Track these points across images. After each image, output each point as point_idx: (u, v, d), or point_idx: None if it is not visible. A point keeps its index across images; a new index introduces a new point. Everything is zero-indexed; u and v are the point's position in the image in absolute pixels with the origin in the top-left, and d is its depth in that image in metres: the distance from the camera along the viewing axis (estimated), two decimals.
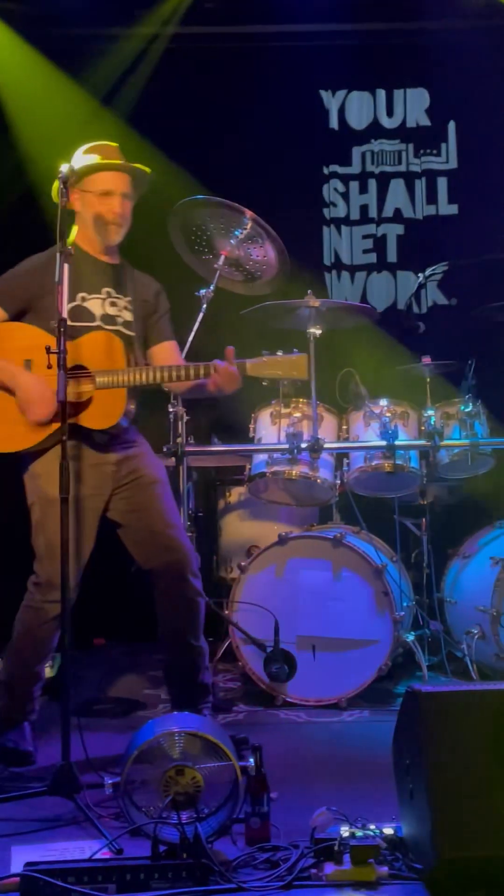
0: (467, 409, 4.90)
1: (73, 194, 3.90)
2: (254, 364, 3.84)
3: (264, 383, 3.84)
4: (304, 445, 4.78)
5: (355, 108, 6.67)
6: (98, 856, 2.80)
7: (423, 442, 4.91)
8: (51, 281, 3.72)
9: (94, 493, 3.86)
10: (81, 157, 3.95)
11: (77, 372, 3.75)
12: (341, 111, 6.67)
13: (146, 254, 5.67)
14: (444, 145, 6.61)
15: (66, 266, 3.40)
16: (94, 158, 3.91)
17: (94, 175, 3.90)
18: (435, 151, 6.61)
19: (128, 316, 3.97)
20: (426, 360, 5.15)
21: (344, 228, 6.67)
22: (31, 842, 2.98)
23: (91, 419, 3.76)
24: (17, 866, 2.72)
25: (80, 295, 3.88)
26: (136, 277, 4.10)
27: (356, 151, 6.67)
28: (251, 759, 2.93)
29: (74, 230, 3.97)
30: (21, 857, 2.78)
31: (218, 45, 6.51)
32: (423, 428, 4.95)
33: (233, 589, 4.77)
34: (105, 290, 3.96)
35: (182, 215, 4.75)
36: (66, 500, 3.33)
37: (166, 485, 4.04)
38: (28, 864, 2.66)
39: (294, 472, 4.85)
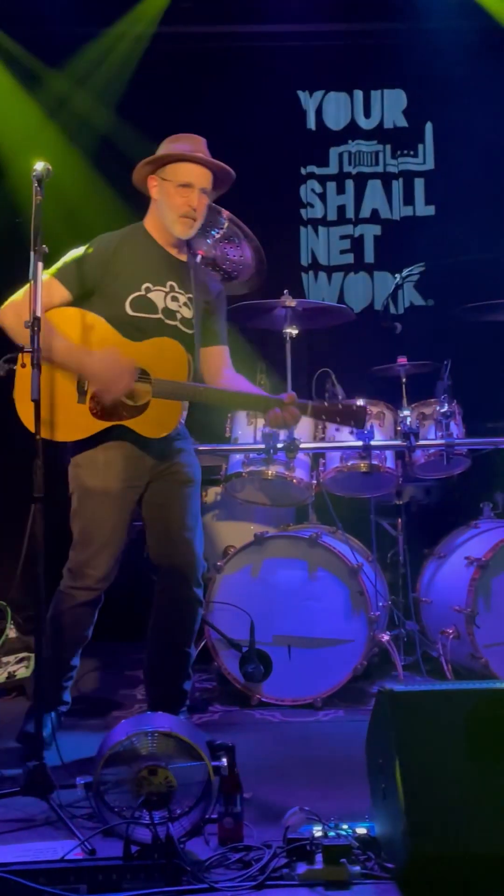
0: (443, 410, 4.91)
1: (152, 181, 3.88)
2: (315, 408, 3.77)
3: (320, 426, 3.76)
4: (280, 445, 4.77)
5: (333, 108, 6.69)
6: (70, 856, 2.78)
7: (398, 442, 4.91)
8: (118, 267, 3.77)
9: (129, 486, 3.83)
10: (167, 145, 3.91)
11: (138, 376, 3.70)
12: (318, 112, 6.69)
13: None
14: (421, 146, 6.64)
15: (39, 265, 3.36)
16: (180, 148, 3.87)
17: (177, 165, 3.84)
18: (412, 152, 6.64)
19: (187, 313, 3.90)
20: (402, 360, 5.16)
21: (321, 229, 6.69)
22: (4, 842, 2.96)
23: (144, 426, 3.71)
24: None
25: (145, 285, 3.82)
26: (200, 275, 4.05)
27: (333, 152, 6.69)
28: (224, 759, 2.92)
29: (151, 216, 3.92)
30: None
31: (195, 46, 6.53)
32: (398, 428, 4.96)
33: (208, 589, 4.74)
34: (169, 283, 3.89)
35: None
36: (40, 499, 3.31)
37: (197, 487, 4.01)
38: None
39: (270, 472, 4.85)
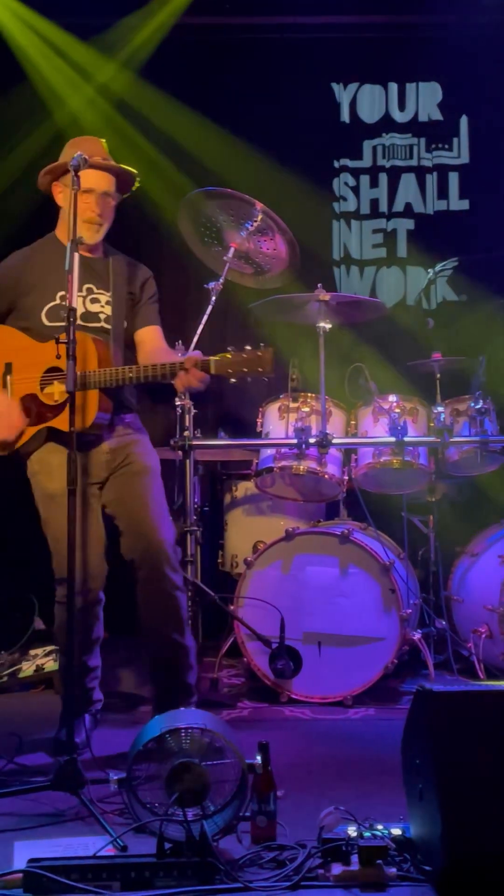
0: (477, 406, 4.86)
1: (56, 188, 3.93)
2: (218, 363, 3.67)
3: (232, 381, 3.72)
4: (312, 440, 4.74)
5: (367, 101, 6.62)
6: (102, 852, 2.76)
7: (432, 438, 4.88)
8: (30, 278, 3.86)
9: (90, 482, 3.86)
10: (67, 151, 3.92)
11: (51, 376, 3.76)
12: (353, 104, 6.62)
13: (155, 244, 5.67)
14: (455, 140, 6.56)
15: (76, 255, 3.36)
16: (78, 153, 3.80)
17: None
18: (447, 146, 6.56)
19: (108, 311, 3.94)
20: (436, 355, 5.12)
21: (354, 223, 6.63)
22: (35, 837, 2.95)
23: (64, 421, 3.64)
24: (20, 862, 2.69)
25: (60, 293, 3.84)
26: (120, 269, 4.03)
27: (367, 145, 6.62)
28: (258, 757, 2.89)
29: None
30: (24, 853, 2.75)
31: (229, 37, 6.49)
32: (432, 424, 4.92)
33: (238, 584, 4.74)
34: (86, 286, 3.92)
35: (192, 207, 4.72)
36: (73, 492, 3.29)
37: (156, 475, 3.99)
38: (31, 860, 2.63)
39: (301, 467, 4.81)
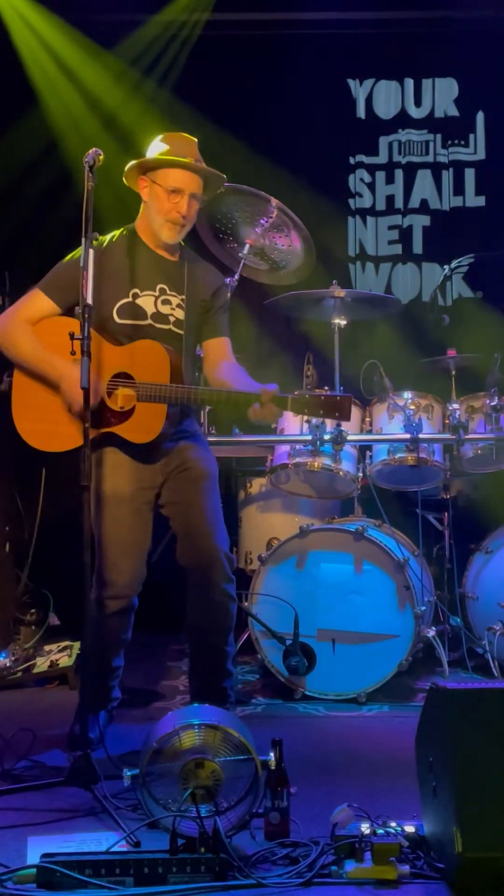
0: (493, 403, 4.84)
1: (142, 182, 3.84)
2: (295, 402, 3.65)
3: (305, 420, 3.71)
4: (326, 437, 4.73)
5: (383, 97, 6.62)
6: (116, 848, 2.77)
7: (447, 435, 4.86)
8: (101, 277, 3.67)
9: (140, 487, 3.79)
10: (157, 145, 3.86)
11: (120, 381, 3.69)
12: (369, 100, 6.62)
13: None
14: (472, 136, 6.55)
15: (91, 252, 3.36)
16: (167, 150, 3.82)
17: (167, 169, 3.80)
18: (463, 142, 6.55)
19: (179, 314, 3.86)
20: (452, 352, 5.10)
21: (369, 219, 6.62)
22: (48, 832, 2.95)
23: (130, 431, 3.68)
24: (33, 857, 2.69)
25: (133, 291, 3.80)
26: (195, 274, 3.95)
27: (383, 141, 6.62)
28: (271, 754, 2.88)
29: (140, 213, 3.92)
30: (38, 848, 2.75)
31: (245, 33, 6.48)
32: (447, 421, 4.90)
33: (252, 580, 4.73)
34: (159, 286, 3.85)
35: (207, 203, 4.70)
36: (87, 488, 3.30)
37: (215, 480, 3.95)
38: (45, 855, 2.63)
39: (316, 463, 4.81)
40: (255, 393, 3.65)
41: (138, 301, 3.81)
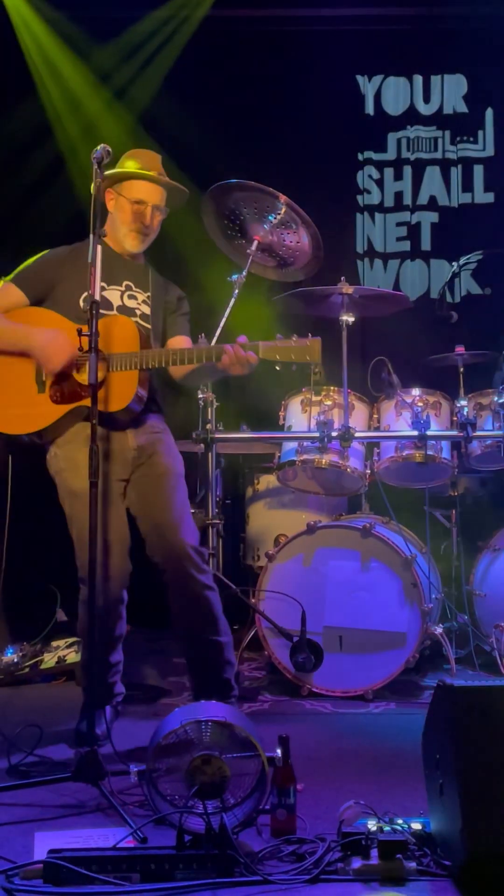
0: (501, 400, 4.83)
1: (108, 194, 3.99)
2: (266, 347, 3.75)
3: (277, 367, 3.76)
4: (334, 434, 4.73)
5: (391, 93, 6.61)
6: (122, 844, 2.77)
7: (455, 432, 4.85)
8: (68, 270, 3.90)
9: (116, 479, 3.86)
10: (124, 161, 4.02)
11: (86, 355, 3.69)
12: (377, 96, 6.61)
13: (179, 239, 5.67)
14: (481, 132, 6.54)
15: (98, 247, 3.36)
16: (133, 164, 3.99)
17: (131, 182, 3.98)
18: (472, 138, 6.53)
19: (145, 309, 4.00)
20: (459, 349, 5.09)
21: (378, 215, 6.61)
22: (55, 828, 2.96)
23: (102, 401, 3.72)
24: (40, 853, 2.70)
25: (100, 284, 3.79)
26: (158, 280, 4.13)
27: (391, 138, 6.61)
28: (278, 750, 2.88)
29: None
30: (44, 844, 2.76)
31: (253, 28, 6.46)
32: (455, 418, 4.89)
33: (260, 577, 4.73)
34: (125, 282, 4.00)
35: (215, 199, 4.70)
36: (95, 484, 3.30)
37: (180, 477, 4.00)
38: (51, 851, 2.64)
39: (324, 460, 4.80)
40: (223, 346, 3.76)
41: (104, 293, 3.92)
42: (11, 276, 3.97)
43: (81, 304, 3.84)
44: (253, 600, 4.67)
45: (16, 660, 4.90)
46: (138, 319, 3.95)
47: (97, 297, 3.35)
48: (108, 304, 3.92)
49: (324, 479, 5.07)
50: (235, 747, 2.82)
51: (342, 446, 4.77)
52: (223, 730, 2.83)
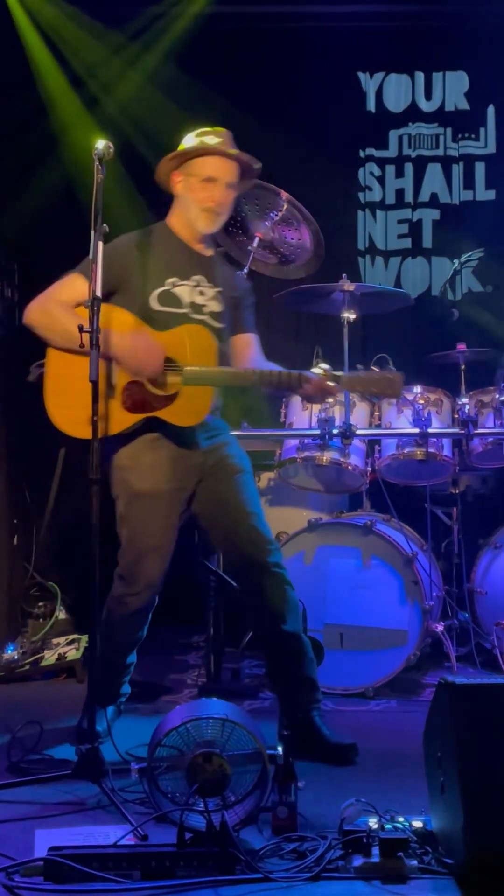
0: (502, 398, 4.83)
1: (176, 177, 3.79)
2: (350, 378, 3.67)
3: (353, 398, 3.70)
4: (335, 431, 4.73)
5: (393, 90, 6.59)
6: (123, 842, 2.76)
7: (456, 430, 4.85)
8: (139, 261, 3.71)
9: (177, 487, 3.73)
10: (189, 139, 3.82)
11: (166, 364, 3.61)
12: (379, 93, 6.59)
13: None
14: (482, 130, 6.52)
15: (100, 244, 3.35)
16: (200, 142, 3.77)
17: (201, 159, 3.75)
18: (473, 136, 6.52)
19: (215, 306, 3.81)
20: (461, 347, 5.09)
21: (379, 213, 6.60)
22: (55, 825, 2.95)
23: (176, 415, 3.61)
24: (40, 850, 2.69)
25: (171, 280, 3.74)
26: (227, 271, 3.96)
27: (393, 135, 6.59)
28: (279, 748, 2.88)
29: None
30: (45, 841, 2.75)
31: (255, 25, 6.44)
32: (456, 416, 4.89)
33: None
34: (195, 277, 3.80)
35: None
36: (96, 482, 3.28)
37: (250, 475, 3.89)
38: (52, 848, 2.63)
39: (325, 458, 4.80)
40: (306, 373, 3.64)
41: (175, 290, 3.75)
42: (79, 266, 3.73)
43: (153, 302, 3.72)
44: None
45: (16, 657, 4.90)
46: (207, 318, 3.77)
47: (98, 295, 3.31)
48: (178, 301, 3.74)
49: (325, 476, 5.07)
50: (236, 745, 2.81)
51: (343, 444, 4.77)
52: (224, 727, 2.82)
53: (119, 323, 3.63)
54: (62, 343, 3.62)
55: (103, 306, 3.52)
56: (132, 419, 3.63)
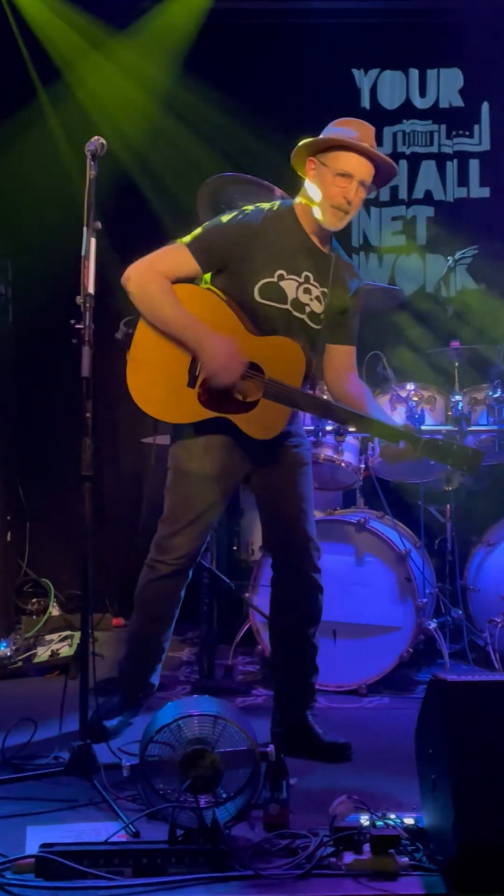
0: (496, 395, 4.84)
1: (310, 164, 3.61)
2: (427, 447, 3.54)
3: (431, 462, 3.65)
4: (329, 428, 4.72)
5: (387, 87, 6.57)
6: (114, 838, 2.77)
7: (449, 427, 4.85)
8: (255, 247, 3.55)
9: (228, 473, 3.67)
10: (332, 129, 3.65)
11: (251, 372, 3.50)
12: (373, 90, 6.57)
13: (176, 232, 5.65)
14: (476, 127, 6.51)
15: (92, 241, 3.33)
16: (344, 133, 3.59)
17: (340, 152, 3.54)
18: (467, 133, 6.51)
19: (317, 307, 3.64)
20: (454, 344, 5.09)
21: (373, 209, 6.59)
22: (47, 822, 2.95)
23: (249, 424, 3.51)
24: (32, 847, 2.70)
25: (279, 272, 3.59)
26: (341, 271, 3.73)
27: (387, 132, 6.57)
28: (271, 745, 2.88)
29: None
30: (36, 838, 2.76)
31: (249, 21, 6.42)
32: (450, 413, 4.90)
33: (254, 571, 4.73)
34: (305, 273, 3.62)
35: (210, 192, 4.68)
36: (88, 478, 3.28)
37: (309, 469, 3.81)
38: (44, 845, 2.63)
39: (319, 455, 4.80)
40: (400, 431, 3.58)
41: (282, 283, 3.59)
42: (189, 237, 3.57)
43: (256, 294, 3.55)
44: (247, 594, 4.67)
45: (9, 653, 4.90)
46: (306, 318, 3.63)
47: (90, 292, 3.30)
48: (282, 295, 3.57)
49: (318, 473, 5.04)
50: (228, 742, 2.82)
51: (337, 441, 4.77)
52: (216, 724, 2.83)
53: (217, 319, 3.51)
54: (155, 321, 3.51)
55: (209, 290, 3.52)
56: (203, 414, 3.52)
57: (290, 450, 3.71)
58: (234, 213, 3.62)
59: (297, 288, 3.60)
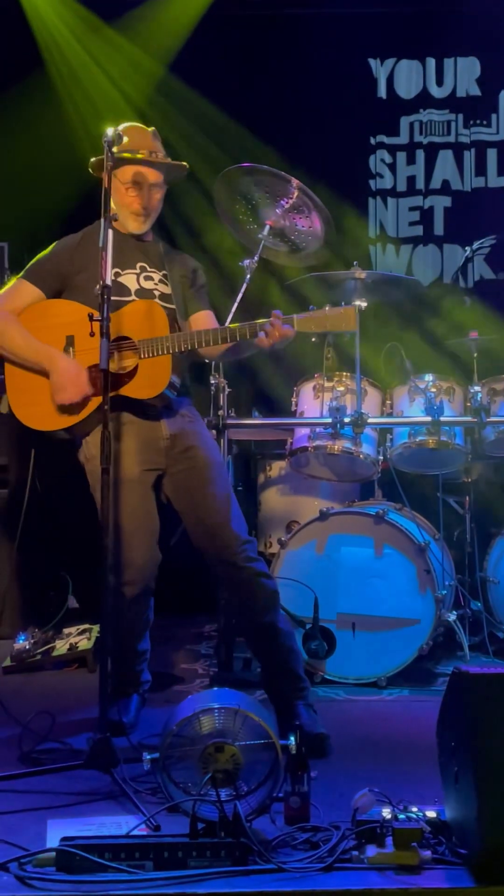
0: None
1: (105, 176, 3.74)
2: (302, 319, 3.65)
3: (313, 339, 3.70)
4: (347, 420, 4.70)
5: (404, 77, 6.56)
6: (135, 832, 2.76)
7: (468, 418, 4.82)
8: (82, 258, 3.77)
9: (148, 469, 3.75)
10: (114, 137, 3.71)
11: (121, 343, 3.66)
12: (390, 80, 6.56)
13: (193, 223, 5.66)
14: (494, 116, 6.49)
15: (109, 231, 3.33)
16: (125, 142, 3.66)
17: (125, 166, 3.77)
18: (485, 122, 6.48)
19: (164, 289, 3.86)
20: (474, 334, 5.05)
21: (390, 200, 6.57)
22: (67, 815, 2.95)
23: (136, 389, 3.66)
24: (52, 840, 2.69)
25: (115, 270, 3.73)
26: (171, 255, 4.01)
27: (404, 121, 6.56)
28: (291, 738, 2.87)
29: None
30: (57, 831, 2.75)
31: (266, 12, 6.41)
32: (468, 404, 4.86)
33: (272, 564, 4.71)
34: (139, 264, 3.86)
35: (227, 183, 4.66)
36: (107, 470, 3.28)
37: (221, 467, 3.90)
38: (64, 838, 2.62)
39: (336, 446, 4.78)
40: (260, 321, 3.65)
41: (120, 279, 3.78)
42: (22, 272, 3.86)
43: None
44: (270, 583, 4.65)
45: (28, 647, 4.90)
46: (159, 301, 3.81)
47: (108, 283, 3.30)
48: (125, 290, 3.79)
49: (336, 465, 5.05)
50: (249, 735, 2.80)
51: (355, 432, 4.74)
52: (236, 717, 2.81)
53: (75, 316, 3.67)
54: (7, 356, 3.77)
55: (42, 303, 3.76)
56: (90, 407, 3.68)
57: (197, 452, 3.80)
58: (54, 243, 3.92)
59: (138, 278, 3.83)
